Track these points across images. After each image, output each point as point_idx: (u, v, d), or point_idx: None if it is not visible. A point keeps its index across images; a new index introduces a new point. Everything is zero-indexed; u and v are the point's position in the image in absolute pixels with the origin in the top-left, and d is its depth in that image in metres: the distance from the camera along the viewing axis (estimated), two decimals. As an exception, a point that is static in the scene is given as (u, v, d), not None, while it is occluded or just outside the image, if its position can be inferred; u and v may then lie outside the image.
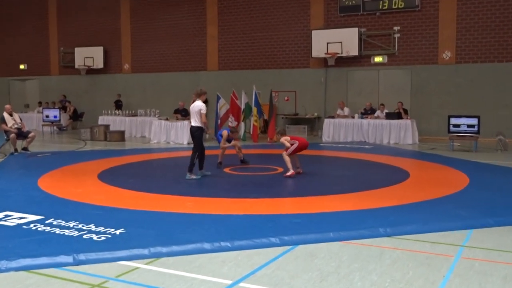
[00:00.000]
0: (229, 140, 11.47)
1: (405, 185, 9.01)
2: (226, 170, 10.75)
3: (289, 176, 9.77)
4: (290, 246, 5.43)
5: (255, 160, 11.97)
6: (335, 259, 5.03)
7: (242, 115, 17.38)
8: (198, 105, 9.65)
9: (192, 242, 5.41)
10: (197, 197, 7.94)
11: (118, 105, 23.16)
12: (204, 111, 9.61)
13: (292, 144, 10.10)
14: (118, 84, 24.39)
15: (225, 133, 11.51)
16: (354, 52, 18.89)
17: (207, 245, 5.35)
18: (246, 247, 5.37)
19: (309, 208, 7.14)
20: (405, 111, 17.27)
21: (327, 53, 19.12)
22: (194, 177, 9.59)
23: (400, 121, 16.74)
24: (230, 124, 17.44)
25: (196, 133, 9.71)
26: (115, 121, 20.02)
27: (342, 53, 19.00)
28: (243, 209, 7.06)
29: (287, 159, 10.01)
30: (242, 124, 17.27)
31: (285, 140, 10.21)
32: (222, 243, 5.41)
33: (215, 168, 10.70)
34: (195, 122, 9.68)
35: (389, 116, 17.05)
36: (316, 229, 5.93)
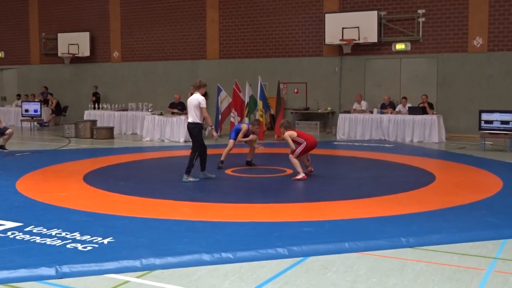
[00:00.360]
0: (246, 135, 11.39)
1: (430, 189, 8.99)
2: (228, 171, 10.76)
3: (299, 180, 9.76)
4: (300, 258, 5.43)
5: (261, 161, 11.97)
6: (350, 273, 5.02)
7: (246, 109, 17.39)
8: (196, 98, 9.62)
9: (189, 253, 5.42)
10: (195, 202, 7.95)
11: (96, 98, 23.20)
12: (204, 104, 9.59)
13: (299, 144, 10.01)
14: (106, 74, 24.45)
15: (244, 126, 11.31)
16: (373, 38, 18.85)
17: (206, 256, 5.36)
18: (250, 259, 5.37)
19: (322, 215, 7.12)
20: (431, 106, 17.22)
21: (342, 40, 19.09)
22: (191, 179, 9.59)
23: (424, 116, 16.70)
24: (232, 119, 17.47)
25: (194, 131, 9.68)
26: (102, 116, 20.08)
27: (359, 39, 18.97)
28: (247, 216, 7.06)
29: (295, 161, 9.95)
30: (246, 120, 17.26)
31: (289, 136, 10.04)
32: (223, 254, 5.41)
33: (215, 169, 10.70)
34: (192, 117, 9.65)
35: (412, 111, 17.01)
36: (329, 239, 5.93)
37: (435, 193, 8.63)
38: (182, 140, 16.43)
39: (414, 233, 6.19)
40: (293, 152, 9.98)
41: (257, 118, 16.36)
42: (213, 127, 10.08)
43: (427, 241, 5.95)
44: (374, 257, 5.48)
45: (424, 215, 7.12)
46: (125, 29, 23.96)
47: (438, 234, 6.16)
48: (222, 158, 11.20)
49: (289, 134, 10.12)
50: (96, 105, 21.17)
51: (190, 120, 9.73)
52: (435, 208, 7.50)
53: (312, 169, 10.35)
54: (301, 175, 9.81)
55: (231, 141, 11.28)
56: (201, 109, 9.59)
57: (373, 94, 19.34)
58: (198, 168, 9.85)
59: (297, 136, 10.11)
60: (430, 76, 18.77)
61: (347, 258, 5.44)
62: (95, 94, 23.51)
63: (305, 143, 9.99)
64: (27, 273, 4.89)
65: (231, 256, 5.40)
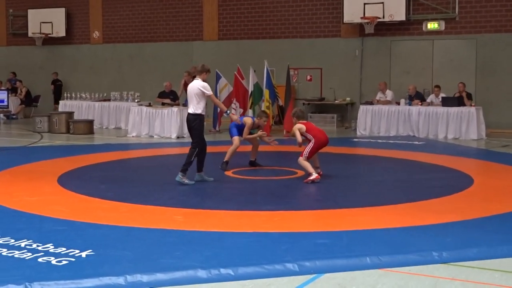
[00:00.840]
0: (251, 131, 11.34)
1: (468, 195, 8.97)
2: (229, 173, 10.77)
3: (312, 181, 9.76)
4: (313, 275, 5.43)
5: (268, 160, 11.97)
6: (372, 293, 5.03)
7: (250, 99, 17.39)
8: (197, 85, 9.57)
9: (183, 269, 5.42)
10: (189, 209, 7.96)
11: (57, 86, 23.21)
12: (209, 91, 9.57)
13: (308, 141, 10.07)
14: (85, 58, 24.49)
15: (248, 120, 11.23)
16: (400, 16, 18.82)
17: (202, 273, 5.36)
18: (254, 276, 5.37)
19: (339, 225, 7.13)
20: (468, 96, 17.19)
21: (363, 18, 19.06)
22: (187, 181, 9.59)
23: (461, 108, 16.67)
24: (233, 112, 17.47)
25: (195, 123, 9.66)
26: (80, 107, 20.09)
27: (384, 17, 18.94)
28: (251, 226, 7.06)
29: (305, 163, 9.96)
30: (250, 112, 17.26)
31: (297, 130, 10.11)
32: (222, 271, 5.41)
33: (216, 170, 10.69)
34: (193, 108, 9.64)
35: (446, 102, 16.98)
36: (347, 253, 5.93)
37: (473, 200, 8.62)
38: (174, 136, 16.44)
39: (448, 246, 6.17)
40: (302, 153, 10.00)
41: (263, 109, 16.36)
42: (230, 111, 10.09)
43: (464, 256, 5.94)
44: (401, 274, 5.48)
45: (460, 225, 7.10)
46: (107, 5, 23.98)
47: (476, 248, 6.14)
48: (226, 159, 11.12)
49: (299, 127, 10.17)
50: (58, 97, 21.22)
51: (190, 110, 9.70)
52: (473, 217, 7.48)
53: (321, 172, 10.31)
54: (314, 176, 9.81)
55: (236, 138, 11.14)
56: (207, 97, 9.58)
57: (400, 82, 19.31)
58: (194, 169, 9.84)
59: (306, 131, 10.14)
60: (467, 61, 18.73)
61: (369, 276, 5.43)
62: (55, 82, 23.48)
63: (314, 140, 10.04)
64: (-8, 291, 4.92)
65: (232, 273, 5.39)
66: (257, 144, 11.48)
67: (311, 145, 10.02)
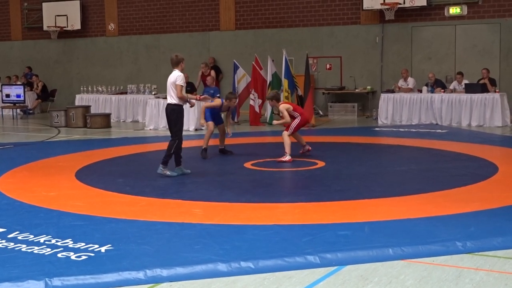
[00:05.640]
0: (216, 111, 11.76)
1: (492, 183, 8.94)
2: (247, 165, 10.79)
3: (284, 162, 10.55)
4: (335, 267, 5.45)
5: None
6: (395, 284, 5.03)
7: (269, 90, 17.39)
8: (174, 75, 9.72)
9: (202, 263, 5.46)
10: (208, 202, 8.00)
11: (29, 76, 23.32)
12: (180, 81, 9.65)
13: (294, 118, 10.90)
14: (101, 51, 24.57)
15: (217, 102, 11.74)
16: (421, 1, 18.69)
17: (222, 266, 5.40)
18: (275, 269, 5.40)
19: (360, 216, 7.13)
20: (492, 82, 17.06)
21: (384, 3, 18.96)
22: (169, 173, 9.72)
23: (485, 95, 16.56)
24: (251, 103, 17.49)
25: (173, 114, 9.79)
26: (97, 100, 20.20)
27: (404, 2, 18.82)
28: (271, 218, 7.08)
29: (288, 140, 10.74)
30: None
31: (285, 109, 10.95)
32: (243, 264, 5.45)
33: (235, 161, 10.70)
34: (171, 98, 9.79)
35: (470, 88, 16.86)
36: (369, 244, 5.93)
37: (498, 188, 8.58)
38: (192, 128, 16.47)
39: (473, 236, 6.17)
40: (288, 127, 10.84)
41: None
42: (193, 100, 10.48)
43: (488, 246, 5.93)
44: (424, 265, 5.48)
45: (485, 214, 7.07)
46: (122, -4, 24.05)
47: (501, 237, 6.13)
48: (204, 146, 11.59)
49: (285, 107, 11.06)
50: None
51: (169, 101, 9.85)
52: (498, 205, 7.45)
53: (310, 148, 11.23)
54: (288, 157, 10.63)
55: (211, 123, 11.67)
56: (176, 86, 9.66)
57: (422, 68, 19.20)
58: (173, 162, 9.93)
59: (293, 109, 11.09)
60: (491, 46, 18.56)
61: (392, 267, 5.44)
62: (28, 76, 23.62)
63: (300, 117, 10.93)
64: (12, 287, 4.97)
65: (252, 266, 5.43)
66: (223, 132, 11.84)
67: (297, 121, 10.90)
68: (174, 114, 9.77)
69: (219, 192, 8.67)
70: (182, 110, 9.88)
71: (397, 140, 13.97)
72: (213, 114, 11.59)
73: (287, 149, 10.65)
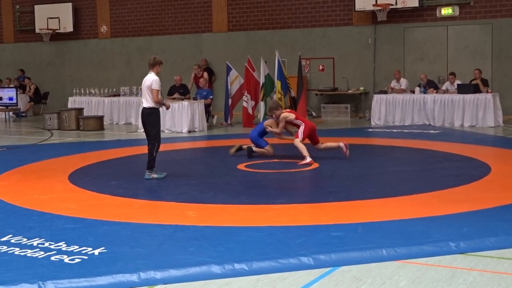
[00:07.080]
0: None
1: (485, 184, 8.96)
2: (240, 166, 10.80)
3: (306, 164, 10.51)
4: (329, 268, 5.45)
5: (280, 152, 11.98)
6: (389, 285, 5.04)
7: (262, 91, 17.40)
8: (149, 79, 9.75)
9: (196, 265, 5.46)
10: (202, 204, 7.99)
11: (21, 79, 23.23)
12: (155, 86, 9.67)
13: (298, 126, 11.05)
14: (93, 53, 24.54)
15: (272, 123, 11.66)
16: (414, 2, 18.73)
17: (216, 268, 5.40)
18: (268, 270, 5.40)
19: (354, 217, 7.14)
20: (485, 83, 17.10)
21: (376, 5, 19.00)
22: (155, 176, 9.75)
23: (477, 95, 16.60)
24: (245, 104, 17.48)
25: (150, 118, 9.80)
26: (90, 103, 20.16)
27: (396, 3, 18.87)
28: (264, 219, 7.08)
29: (301, 146, 10.81)
30: (262, 104, 17.28)
31: (284, 119, 11.16)
32: (237, 266, 5.45)
33: (231, 163, 10.69)
34: (148, 102, 9.79)
35: (462, 89, 16.91)
36: (363, 245, 5.94)
37: (491, 188, 8.60)
38: (185, 130, 16.45)
39: (466, 236, 6.18)
40: (296, 134, 11.03)
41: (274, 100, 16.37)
42: (168, 102, 10.73)
43: (482, 246, 5.94)
44: (418, 265, 5.49)
45: (478, 214, 7.09)
46: (114, -1, 24.03)
47: (494, 237, 6.14)
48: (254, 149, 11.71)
49: (286, 116, 11.22)
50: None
51: (145, 105, 9.86)
52: (491, 206, 7.47)
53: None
54: (308, 159, 10.61)
55: (269, 148, 11.60)
56: (152, 90, 9.67)
57: (415, 69, 19.24)
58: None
59: (295, 118, 11.23)
60: (483, 47, 18.62)
61: (385, 268, 5.45)
62: (20, 79, 23.59)
63: (304, 124, 11.06)
64: (5, 291, 4.97)
65: (246, 268, 5.43)
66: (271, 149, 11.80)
67: (302, 128, 10.99)
68: (151, 118, 9.82)
69: (213, 194, 8.66)
70: (159, 113, 9.96)
71: (390, 141, 13.99)
72: (262, 134, 11.73)
73: (305, 153, 10.73)
